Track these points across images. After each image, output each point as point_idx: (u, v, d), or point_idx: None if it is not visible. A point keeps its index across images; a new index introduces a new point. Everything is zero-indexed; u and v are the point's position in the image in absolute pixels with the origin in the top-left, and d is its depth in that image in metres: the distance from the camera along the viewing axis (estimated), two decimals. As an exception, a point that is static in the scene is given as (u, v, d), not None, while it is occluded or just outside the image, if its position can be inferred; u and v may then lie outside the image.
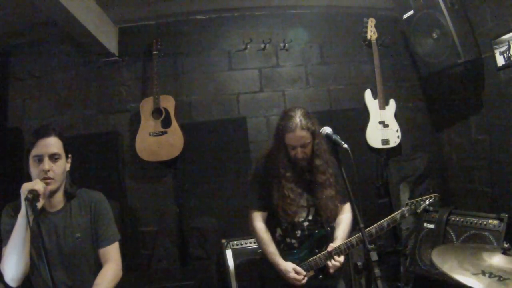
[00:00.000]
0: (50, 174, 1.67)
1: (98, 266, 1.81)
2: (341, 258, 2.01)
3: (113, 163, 3.34)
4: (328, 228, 2.13)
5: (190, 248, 3.32)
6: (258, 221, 2.13)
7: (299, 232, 2.11)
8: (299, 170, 2.09)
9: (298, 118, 1.99)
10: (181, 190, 3.36)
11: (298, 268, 2.01)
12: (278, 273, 2.04)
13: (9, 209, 1.71)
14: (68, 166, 1.80)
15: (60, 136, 1.75)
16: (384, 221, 2.04)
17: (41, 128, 1.75)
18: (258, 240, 2.13)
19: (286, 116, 2.04)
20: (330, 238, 2.12)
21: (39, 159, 1.67)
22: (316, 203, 2.10)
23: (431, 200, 2.09)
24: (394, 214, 2.06)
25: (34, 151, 1.68)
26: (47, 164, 1.66)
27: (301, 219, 2.11)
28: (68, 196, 1.82)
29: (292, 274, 1.99)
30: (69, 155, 1.81)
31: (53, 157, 1.69)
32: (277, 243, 2.11)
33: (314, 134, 2.01)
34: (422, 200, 2.10)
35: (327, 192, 2.06)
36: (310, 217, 2.12)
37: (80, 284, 1.75)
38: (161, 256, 3.34)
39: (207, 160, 3.38)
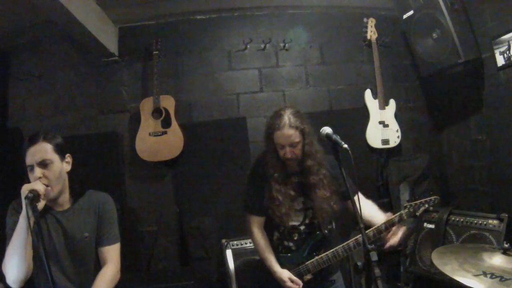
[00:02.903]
0: (44, 181, 1.67)
1: (101, 265, 1.83)
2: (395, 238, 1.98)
3: (113, 163, 3.34)
4: (326, 230, 2.07)
5: (190, 248, 3.32)
6: (254, 227, 2.10)
7: (296, 235, 2.08)
8: (289, 171, 2.04)
9: (286, 116, 1.95)
10: (181, 190, 3.36)
11: (294, 278, 1.98)
12: (274, 279, 2.01)
13: (14, 204, 1.72)
14: (67, 166, 1.80)
15: (50, 140, 1.73)
16: (382, 225, 1.98)
17: (30, 137, 1.74)
18: (255, 246, 2.12)
19: (275, 115, 2.01)
20: (328, 240, 2.08)
21: (31, 168, 1.68)
22: (311, 205, 2.06)
23: (430, 202, 2.02)
24: (392, 217, 1.99)
25: (26, 162, 1.69)
26: (37, 172, 1.67)
27: (297, 223, 2.07)
28: (75, 195, 1.83)
29: (288, 284, 1.96)
30: (67, 155, 1.80)
31: (43, 164, 1.68)
32: (275, 246, 2.09)
33: (304, 133, 1.96)
34: (421, 203, 2.01)
35: (320, 193, 2.00)
36: (306, 221, 2.08)
37: (88, 283, 1.76)
38: (161, 256, 3.34)
39: (207, 160, 3.38)
